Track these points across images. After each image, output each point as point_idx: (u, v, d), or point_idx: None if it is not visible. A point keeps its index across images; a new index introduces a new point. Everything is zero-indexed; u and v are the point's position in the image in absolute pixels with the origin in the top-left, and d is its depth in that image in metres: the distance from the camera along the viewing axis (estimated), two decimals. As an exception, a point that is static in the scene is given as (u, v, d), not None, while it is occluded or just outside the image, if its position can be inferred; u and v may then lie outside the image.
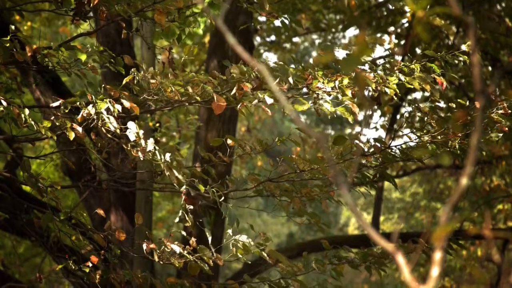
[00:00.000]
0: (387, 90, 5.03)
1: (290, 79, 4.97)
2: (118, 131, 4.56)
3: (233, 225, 4.87)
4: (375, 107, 12.70)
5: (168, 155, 4.60)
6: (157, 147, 4.60)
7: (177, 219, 4.83)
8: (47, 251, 6.36)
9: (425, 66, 5.23)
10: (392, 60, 5.21)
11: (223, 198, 4.89)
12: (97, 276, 5.12)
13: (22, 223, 6.06)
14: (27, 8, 5.85)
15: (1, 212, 6.50)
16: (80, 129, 4.59)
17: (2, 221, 6.74)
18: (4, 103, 4.54)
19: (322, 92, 4.98)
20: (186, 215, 4.76)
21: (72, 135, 4.58)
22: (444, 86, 5.24)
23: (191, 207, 4.78)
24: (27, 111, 4.60)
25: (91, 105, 4.61)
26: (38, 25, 13.09)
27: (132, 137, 4.54)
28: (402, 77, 5.10)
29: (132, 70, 4.93)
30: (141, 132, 4.59)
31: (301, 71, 5.05)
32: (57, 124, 4.65)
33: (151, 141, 4.58)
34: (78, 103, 4.71)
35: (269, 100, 4.84)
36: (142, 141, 4.57)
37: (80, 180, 6.89)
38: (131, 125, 4.57)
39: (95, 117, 4.59)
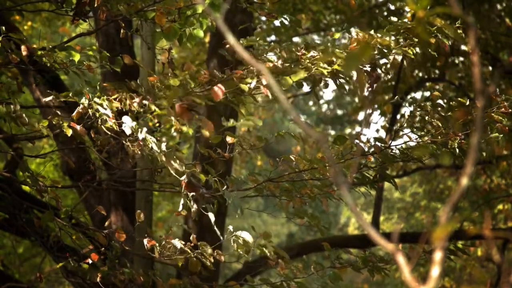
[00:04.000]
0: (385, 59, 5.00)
1: (283, 52, 4.96)
2: (115, 126, 4.55)
3: (237, 212, 4.86)
4: (376, 106, 12.71)
5: (163, 145, 4.60)
6: (151, 137, 4.59)
7: (180, 207, 4.81)
8: (47, 251, 6.36)
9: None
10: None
11: (226, 187, 4.89)
12: (98, 275, 5.12)
13: (22, 223, 6.06)
14: (27, 8, 5.85)
15: (1, 211, 6.50)
16: (78, 127, 4.59)
17: (2, 221, 6.74)
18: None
19: (317, 62, 4.96)
20: (188, 202, 4.76)
21: (69, 132, 4.58)
22: (447, 47, 5.19)
23: (193, 193, 4.77)
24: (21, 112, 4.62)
25: (84, 98, 4.61)
26: (38, 25, 13.10)
27: (128, 131, 4.54)
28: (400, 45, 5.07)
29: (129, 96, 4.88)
30: (134, 123, 4.58)
31: (293, 45, 5.05)
32: (54, 123, 4.65)
33: (144, 130, 4.58)
34: (70, 95, 4.72)
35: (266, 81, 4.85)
36: (140, 135, 4.57)
37: (80, 180, 6.88)
38: (126, 119, 4.56)
39: (91, 113, 4.59)
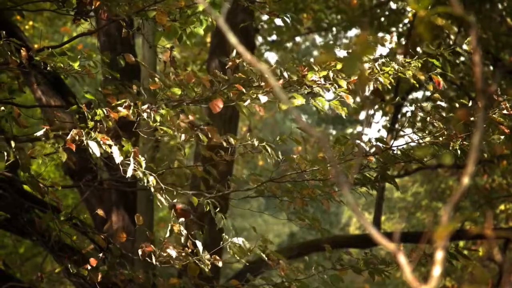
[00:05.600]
0: (380, 79, 5.02)
1: (285, 74, 4.97)
2: (108, 149, 4.56)
3: (230, 234, 4.88)
4: (377, 106, 12.71)
5: (151, 178, 4.61)
6: (141, 170, 4.59)
7: (167, 234, 4.86)
8: (48, 251, 6.36)
9: (425, 62, 5.23)
10: (390, 59, 5.22)
11: (218, 209, 4.88)
12: (99, 276, 5.12)
13: (23, 222, 6.05)
14: (28, 7, 5.84)
15: (2, 211, 6.50)
16: (74, 147, 4.59)
17: (3, 220, 6.74)
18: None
19: (316, 86, 4.97)
20: (179, 229, 4.80)
21: (64, 157, 4.60)
22: (440, 85, 5.24)
23: (183, 219, 4.83)
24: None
25: (74, 131, 4.60)
26: (40, 25, 13.10)
27: (118, 160, 4.56)
28: (396, 66, 5.11)
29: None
30: (121, 158, 4.59)
31: (296, 63, 5.05)
32: (47, 145, 4.67)
33: (131, 167, 4.58)
34: (60, 132, 4.74)
35: (263, 99, 4.85)
36: (131, 159, 4.58)
37: (81, 180, 6.88)
38: (114, 150, 4.56)
39: (85, 141, 4.61)
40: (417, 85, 5.15)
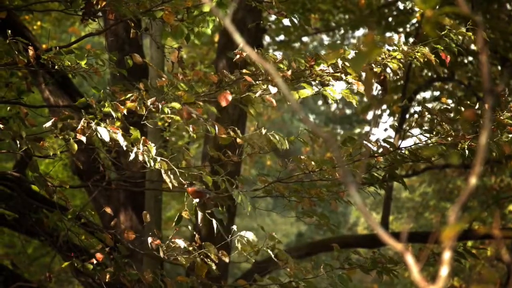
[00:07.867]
0: (390, 65, 5.02)
1: (293, 63, 4.97)
2: (115, 136, 4.56)
3: (248, 209, 4.86)
4: (385, 106, 12.70)
5: (158, 159, 4.61)
6: (148, 155, 4.58)
7: (174, 223, 4.86)
8: (56, 251, 6.37)
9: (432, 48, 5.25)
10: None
11: (234, 186, 4.89)
12: (107, 275, 5.12)
13: (32, 222, 6.07)
14: (37, 7, 5.86)
15: (10, 211, 6.51)
16: (84, 138, 4.60)
17: (11, 220, 6.76)
18: None
19: (325, 75, 4.98)
20: (195, 210, 4.78)
21: (75, 148, 4.60)
22: (448, 59, 5.26)
23: (197, 200, 4.80)
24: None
25: (83, 120, 4.61)
26: (48, 25, 13.13)
27: (122, 144, 4.56)
28: (404, 48, 5.11)
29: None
30: (125, 143, 4.59)
31: (304, 54, 5.06)
32: (58, 136, 4.67)
33: (134, 150, 4.58)
34: (69, 120, 4.74)
35: (273, 90, 4.84)
36: (141, 146, 4.58)
37: (89, 180, 6.89)
38: (119, 136, 4.57)
39: (94, 126, 4.61)
40: (427, 68, 5.18)
